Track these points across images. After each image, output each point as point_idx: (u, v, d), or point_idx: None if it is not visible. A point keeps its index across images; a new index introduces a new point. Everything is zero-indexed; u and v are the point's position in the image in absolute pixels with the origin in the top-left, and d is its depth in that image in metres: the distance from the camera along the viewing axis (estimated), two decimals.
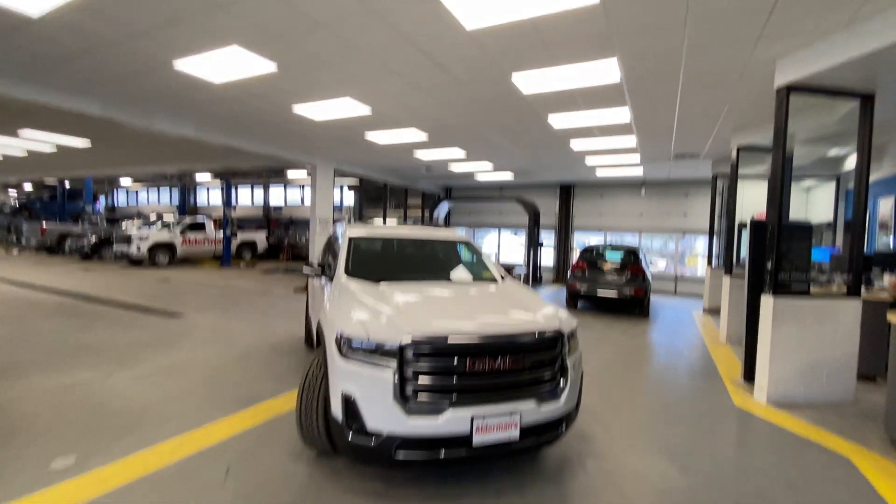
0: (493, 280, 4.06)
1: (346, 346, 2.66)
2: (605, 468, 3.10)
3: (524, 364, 2.73)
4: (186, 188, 21.96)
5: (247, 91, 6.26)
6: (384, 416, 2.51)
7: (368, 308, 2.92)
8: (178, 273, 13.70)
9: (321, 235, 11.13)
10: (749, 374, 4.92)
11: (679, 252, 14.53)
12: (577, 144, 8.76)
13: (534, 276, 13.40)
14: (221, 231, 16.49)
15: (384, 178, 13.77)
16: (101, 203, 26.34)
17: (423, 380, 2.56)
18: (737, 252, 11.75)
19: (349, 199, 19.65)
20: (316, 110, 7.03)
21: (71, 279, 11.60)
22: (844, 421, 4.09)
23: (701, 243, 14.86)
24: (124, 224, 18.50)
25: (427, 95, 6.05)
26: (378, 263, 4.20)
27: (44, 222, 19.34)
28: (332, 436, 2.75)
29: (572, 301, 9.88)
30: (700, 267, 14.87)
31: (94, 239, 16.33)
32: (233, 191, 20.30)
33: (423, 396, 2.55)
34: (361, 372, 2.58)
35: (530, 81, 5.40)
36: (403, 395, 2.53)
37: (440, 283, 3.77)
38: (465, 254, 4.56)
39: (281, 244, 19.84)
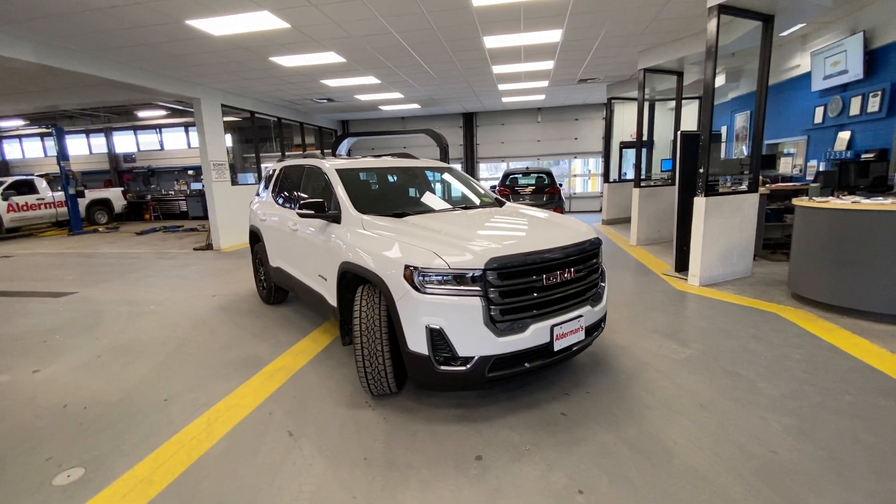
0: (499, 203, 4.06)
1: (423, 280, 2.50)
2: (630, 353, 3.54)
3: (583, 272, 2.88)
4: None
5: None
6: (476, 340, 2.48)
7: (427, 240, 2.72)
8: (17, 247, 10.84)
9: (218, 183, 9.66)
10: (681, 266, 5.87)
11: (572, 174, 15.96)
12: (498, 69, 8.74)
13: None
14: (61, 191, 13.20)
15: (277, 113, 12.20)
16: None
17: (509, 299, 2.56)
18: (618, 168, 13.32)
19: (227, 140, 17.01)
20: (217, 25, 5.77)
21: None
22: (755, 288, 5.20)
23: (579, 165, 16.51)
24: None
25: (363, 5, 5.34)
26: (377, 197, 3.87)
27: None
28: (411, 371, 2.64)
29: None
30: (579, 186, 16.61)
31: None
32: (47, 139, 15.84)
33: (509, 315, 2.56)
34: (447, 302, 2.47)
35: None
36: (491, 317, 2.51)
37: (459, 212, 3.64)
38: (454, 181, 4.42)
39: (144, 201, 16.71)
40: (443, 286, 2.49)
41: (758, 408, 2.71)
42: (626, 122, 13.21)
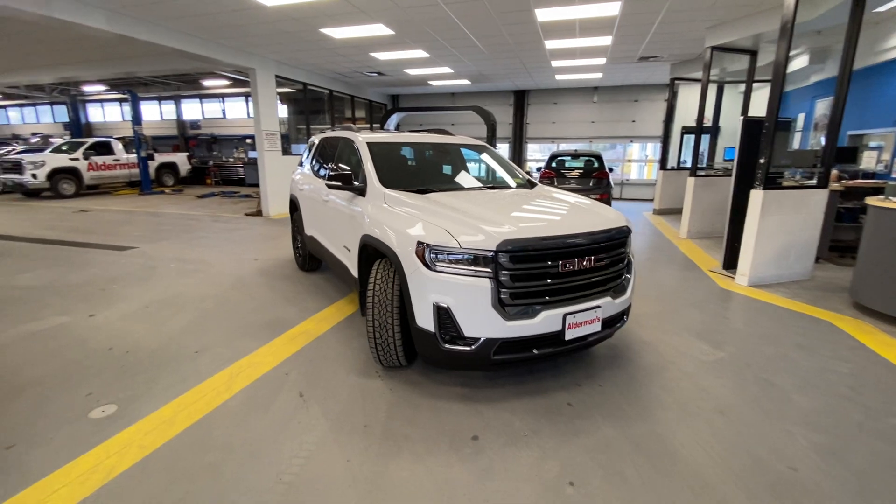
0: (530, 185, 3.94)
1: (434, 257, 2.48)
2: (654, 350, 3.38)
3: (605, 261, 2.75)
4: (76, 103, 18.28)
5: None
6: (483, 322, 2.45)
7: (443, 218, 2.70)
8: (94, 203, 11.91)
9: (270, 152, 10.05)
10: (730, 263, 5.47)
11: (626, 159, 15.18)
12: (551, 44, 8.35)
13: None
14: (134, 153, 14.28)
15: (329, 85, 12.42)
16: None
17: (520, 283, 2.49)
18: (678, 155, 12.49)
19: (282, 111, 17.64)
20: None
21: None
22: (812, 294, 4.76)
23: (637, 150, 15.62)
24: (3, 148, 15.32)
25: None
26: (405, 172, 3.87)
27: None
28: (418, 346, 2.67)
29: None
30: (634, 172, 15.77)
31: None
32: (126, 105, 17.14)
33: (519, 300, 2.50)
34: (455, 282, 2.45)
35: None
36: (500, 301, 2.47)
37: (485, 191, 3.57)
38: (487, 160, 4.33)
39: (206, 166, 17.74)
40: (453, 265, 2.47)
41: (786, 420, 2.51)
42: (690, 105, 12.26)
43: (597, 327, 2.71)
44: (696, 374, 3.03)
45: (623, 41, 8.19)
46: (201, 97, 18.48)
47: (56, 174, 12.84)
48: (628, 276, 3.02)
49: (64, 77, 14.22)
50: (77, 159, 13.41)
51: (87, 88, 17.52)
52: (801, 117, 9.37)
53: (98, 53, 9.90)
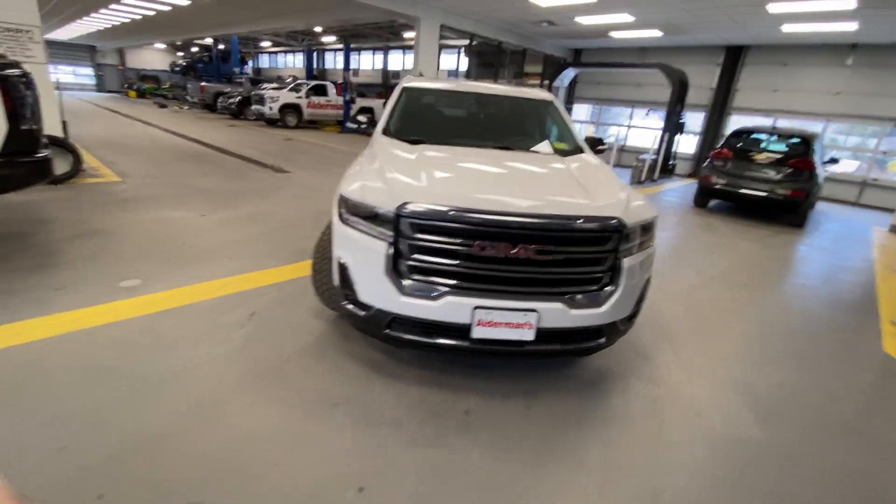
0: (568, 152, 3.22)
1: (344, 210, 2.31)
2: (653, 394, 2.51)
3: (553, 256, 2.10)
4: (313, 51, 22.41)
5: None
6: (375, 289, 2.21)
7: (380, 171, 2.45)
8: (301, 134, 14.64)
9: None
10: None
11: (879, 150, 10.81)
12: None
13: (664, 166, 11.29)
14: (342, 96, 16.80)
15: (498, 36, 12.07)
16: (249, 66, 28.63)
17: (420, 256, 2.13)
18: None
19: (463, 65, 18.11)
20: None
21: (216, 133, 13.12)
22: None
23: None
24: (263, 85, 19.94)
25: None
26: (429, 123, 3.59)
27: (203, 82, 21.83)
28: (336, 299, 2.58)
29: (702, 198, 8.19)
30: None
31: (238, 98, 17.99)
32: (353, 55, 20.25)
33: (418, 275, 2.15)
34: (355, 238, 2.24)
35: None
36: (397, 271, 2.16)
37: (491, 152, 3.07)
38: (543, 117, 3.67)
39: None
40: (357, 220, 2.25)
41: None
42: None
43: (528, 335, 2.14)
44: (679, 444, 2.15)
45: None
46: (403, 48, 20.30)
47: (285, 108, 16.14)
48: (611, 287, 2.25)
49: (308, 23, 17.31)
50: (301, 97, 16.53)
51: (323, 40, 21.14)
52: None
53: (318, 3, 11.74)
